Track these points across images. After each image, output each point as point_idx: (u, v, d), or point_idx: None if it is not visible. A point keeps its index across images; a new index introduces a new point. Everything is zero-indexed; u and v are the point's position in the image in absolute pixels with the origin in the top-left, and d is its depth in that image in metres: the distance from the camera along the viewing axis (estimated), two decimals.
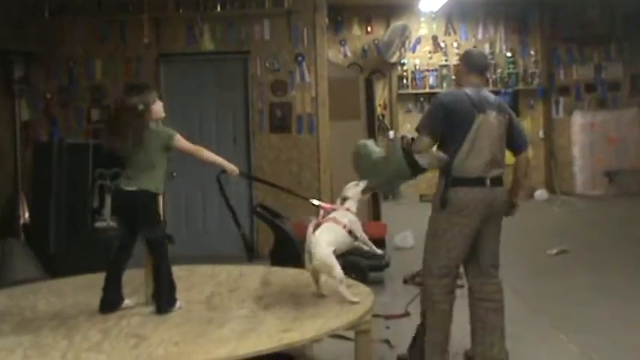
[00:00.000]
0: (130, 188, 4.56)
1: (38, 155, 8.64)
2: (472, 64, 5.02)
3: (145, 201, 4.60)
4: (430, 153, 4.77)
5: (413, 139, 4.81)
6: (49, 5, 9.11)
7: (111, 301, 4.53)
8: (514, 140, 5.03)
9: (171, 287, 4.57)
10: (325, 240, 4.69)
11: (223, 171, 4.95)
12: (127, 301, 4.60)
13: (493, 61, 14.83)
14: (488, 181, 4.74)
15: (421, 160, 4.70)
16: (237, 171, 4.95)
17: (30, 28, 9.10)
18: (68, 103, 9.21)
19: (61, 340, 3.84)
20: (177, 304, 4.53)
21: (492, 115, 4.80)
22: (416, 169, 4.75)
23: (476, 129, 4.71)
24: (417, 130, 4.84)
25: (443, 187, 4.81)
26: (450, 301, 4.98)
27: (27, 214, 8.50)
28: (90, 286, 5.19)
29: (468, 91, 4.83)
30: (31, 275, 7.05)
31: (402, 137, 4.82)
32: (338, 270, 4.58)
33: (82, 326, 4.12)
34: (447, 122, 4.72)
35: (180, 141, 4.65)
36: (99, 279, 5.35)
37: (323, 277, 4.73)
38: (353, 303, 4.49)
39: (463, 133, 4.70)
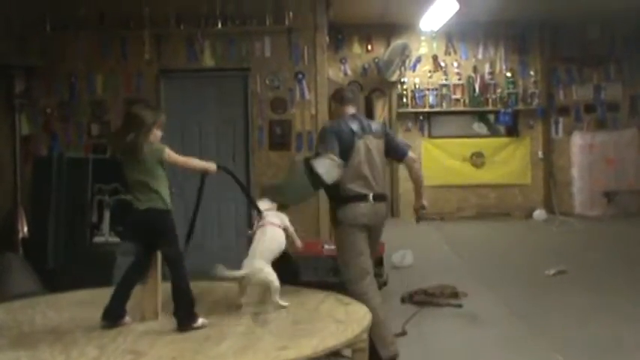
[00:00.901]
0: (142, 207, 4.58)
1: (38, 170, 8.64)
2: (344, 98, 5.79)
3: (159, 218, 4.62)
4: (327, 156, 5.30)
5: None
6: (51, 20, 9.14)
7: (114, 315, 4.51)
8: (396, 152, 5.83)
9: (191, 303, 4.55)
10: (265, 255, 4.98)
11: (206, 173, 5.00)
12: (127, 318, 4.59)
13: (493, 82, 14.90)
14: (370, 197, 5.49)
15: (317, 163, 5.22)
16: (215, 167, 4.98)
17: (32, 43, 9.13)
18: (68, 118, 9.23)
19: (58, 355, 3.82)
20: (200, 320, 4.49)
21: (370, 140, 5.56)
22: (316, 179, 5.21)
23: (355, 153, 5.45)
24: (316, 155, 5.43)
25: (335, 206, 5.56)
26: (377, 294, 5.58)
27: (26, 229, 8.50)
28: (88, 301, 5.18)
29: (347, 121, 5.58)
30: (29, 290, 7.04)
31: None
32: (276, 283, 4.87)
33: (79, 342, 4.10)
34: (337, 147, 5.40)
35: (171, 154, 4.66)
36: (97, 294, 5.36)
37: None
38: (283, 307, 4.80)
39: (346, 158, 5.39)
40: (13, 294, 6.73)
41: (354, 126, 5.54)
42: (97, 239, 7.82)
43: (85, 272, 7.05)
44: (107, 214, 7.76)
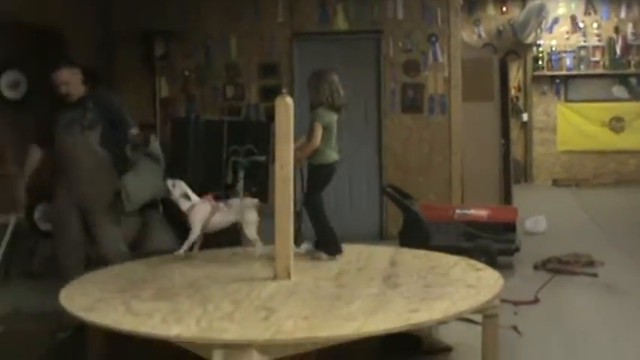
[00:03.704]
0: (338, 158, 5.49)
1: (176, 131, 8.92)
2: None
3: None
4: None
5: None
6: None
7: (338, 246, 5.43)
8: None
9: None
10: None
11: None
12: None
13: (636, 42, 14.28)
14: None
15: None
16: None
17: (170, 8, 9.37)
18: (205, 81, 9.45)
19: (196, 307, 3.97)
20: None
21: None
22: None
23: None
24: None
25: None
26: None
27: None
28: (221, 259, 5.35)
29: None
30: (167, 246, 7.30)
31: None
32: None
33: (214, 296, 4.24)
34: None
35: None
36: (227, 253, 5.53)
37: None
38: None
39: None
40: (153, 249, 7.01)
41: None
42: (231, 200, 8.00)
43: (219, 232, 7.24)
44: (241, 175, 7.92)
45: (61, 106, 5.62)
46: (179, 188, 5.39)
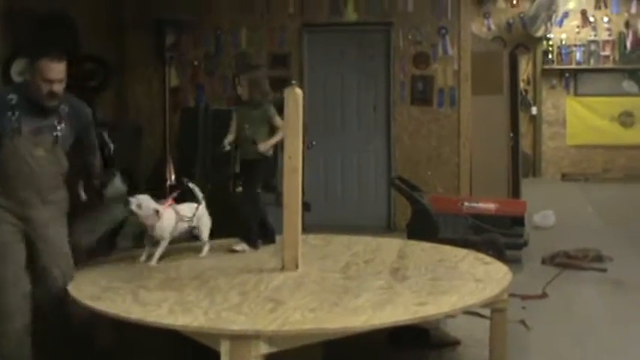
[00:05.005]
0: None
1: (185, 120, 8.92)
2: None
3: None
4: None
5: None
6: None
7: None
8: None
9: None
10: None
11: None
12: None
13: None
14: None
15: None
16: None
17: None
18: (214, 71, 9.43)
19: (202, 299, 3.97)
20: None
21: None
22: None
23: None
24: None
25: None
26: None
27: (173, 177, 8.79)
28: (227, 249, 5.35)
29: None
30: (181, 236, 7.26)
31: None
32: None
33: (222, 288, 4.24)
34: None
35: None
36: (235, 243, 5.51)
37: None
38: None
39: None
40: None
41: None
42: (239, 190, 7.99)
43: (227, 220, 7.23)
44: None
45: (25, 106, 4.16)
46: (146, 204, 4.88)
